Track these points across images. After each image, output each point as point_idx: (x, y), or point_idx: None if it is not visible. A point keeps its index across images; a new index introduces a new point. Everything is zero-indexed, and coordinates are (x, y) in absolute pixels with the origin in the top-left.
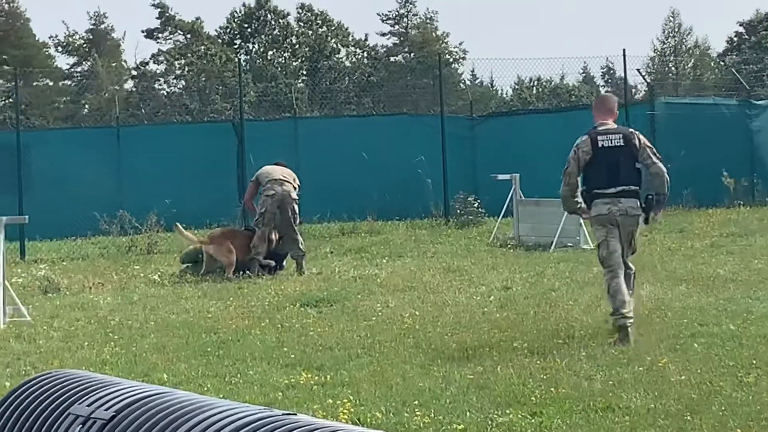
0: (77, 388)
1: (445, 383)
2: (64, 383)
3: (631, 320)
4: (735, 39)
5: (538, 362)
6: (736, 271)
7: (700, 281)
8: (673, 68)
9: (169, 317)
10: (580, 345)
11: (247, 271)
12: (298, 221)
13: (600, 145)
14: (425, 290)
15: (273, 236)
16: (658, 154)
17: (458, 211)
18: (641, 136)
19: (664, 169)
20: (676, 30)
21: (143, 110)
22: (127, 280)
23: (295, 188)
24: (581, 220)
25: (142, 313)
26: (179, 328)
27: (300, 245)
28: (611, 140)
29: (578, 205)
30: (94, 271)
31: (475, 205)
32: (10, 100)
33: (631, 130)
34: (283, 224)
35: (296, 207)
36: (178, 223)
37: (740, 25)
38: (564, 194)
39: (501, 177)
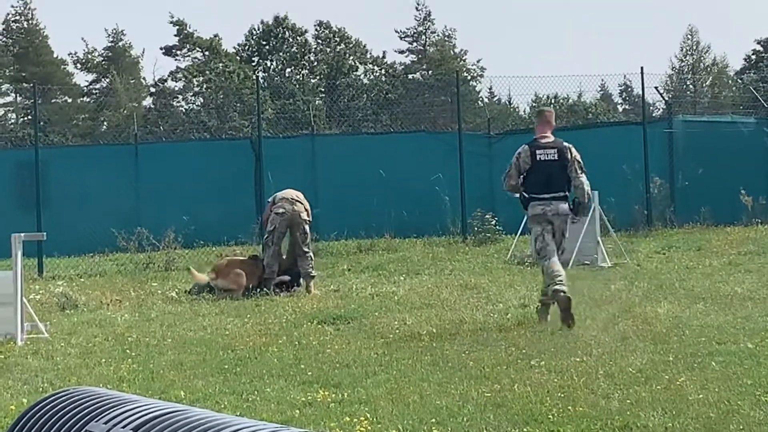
0: (94, 406)
1: (462, 401)
2: (81, 400)
3: (565, 287)
4: (753, 57)
5: (556, 380)
6: (754, 290)
7: (718, 299)
8: (691, 86)
9: (186, 334)
10: (598, 363)
11: (264, 289)
12: (308, 241)
13: (537, 158)
14: (442, 308)
15: (284, 255)
16: (583, 168)
17: (476, 228)
18: (573, 150)
19: (586, 182)
20: (694, 48)
21: (161, 127)
22: (145, 297)
23: (306, 210)
24: (599, 238)
25: (160, 330)
26: (196, 345)
27: (309, 265)
28: (547, 154)
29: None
30: (111, 287)
31: (493, 222)
32: (29, 117)
33: (565, 144)
34: (294, 244)
35: (307, 228)
36: (191, 267)
37: (758, 43)
38: (506, 189)
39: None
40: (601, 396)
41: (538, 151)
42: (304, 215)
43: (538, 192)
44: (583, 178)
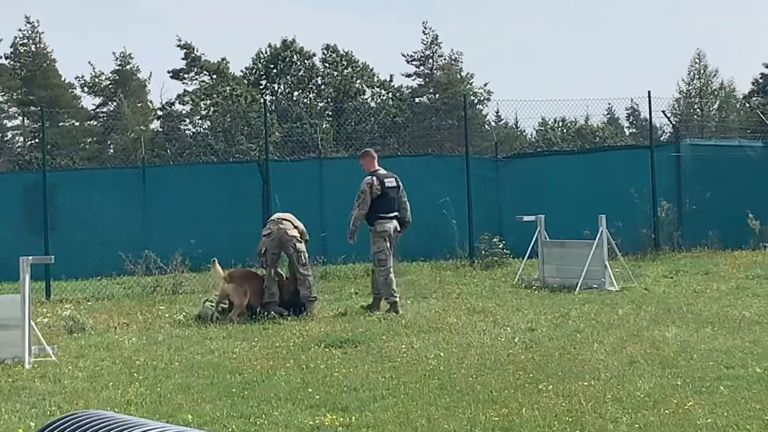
0: (102, 429)
1: (470, 425)
2: (89, 424)
3: (399, 297)
4: (761, 80)
5: (564, 404)
6: (762, 314)
7: (726, 323)
8: (698, 110)
9: (194, 357)
10: (606, 387)
11: (271, 313)
12: (303, 261)
13: (386, 185)
14: (450, 331)
15: (283, 276)
16: (405, 195)
17: (483, 252)
18: (399, 181)
19: (408, 206)
20: (702, 72)
21: (169, 150)
22: (152, 320)
23: (296, 227)
24: (606, 262)
25: (167, 353)
26: (204, 369)
27: (309, 288)
28: (390, 182)
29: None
30: (119, 311)
31: (500, 246)
32: (37, 140)
33: (395, 175)
34: (290, 264)
35: (299, 246)
36: (215, 259)
37: (766, 67)
38: (359, 215)
39: (526, 218)
40: (610, 420)
41: (385, 180)
42: (291, 231)
43: (385, 212)
44: (406, 200)
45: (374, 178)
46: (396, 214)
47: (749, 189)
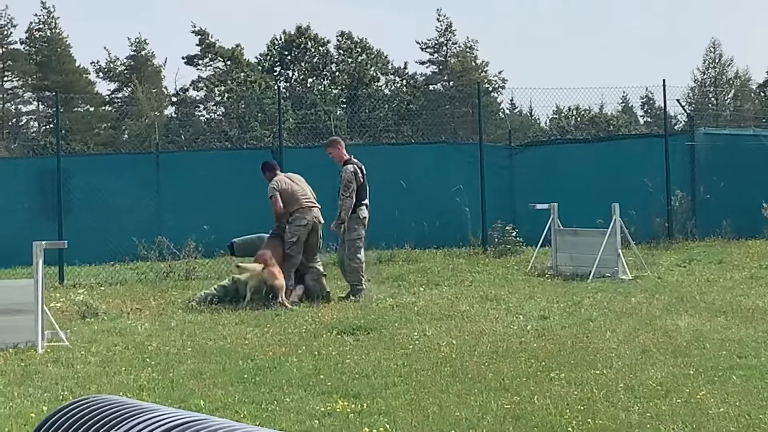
0: (114, 415)
1: (481, 413)
2: (101, 409)
3: (365, 286)
4: None
5: (576, 393)
6: None
7: (739, 313)
8: (713, 99)
9: (206, 343)
10: (618, 376)
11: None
12: (320, 247)
13: (363, 172)
14: (462, 319)
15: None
16: None
17: (496, 240)
18: None
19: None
20: (717, 61)
21: (183, 136)
22: (165, 306)
23: (319, 207)
24: (619, 251)
25: (180, 339)
26: (216, 355)
27: (320, 265)
28: (363, 169)
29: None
30: (132, 296)
31: (513, 234)
32: (51, 125)
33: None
34: (309, 248)
35: (320, 232)
36: (238, 264)
37: None
38: (350, 205)
39: (539, 206)
40: (621, 409)
41: (361, 167)
42: (321, 218)
43: (364, 198)
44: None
45: (354, 166)
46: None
47: (763, 178)
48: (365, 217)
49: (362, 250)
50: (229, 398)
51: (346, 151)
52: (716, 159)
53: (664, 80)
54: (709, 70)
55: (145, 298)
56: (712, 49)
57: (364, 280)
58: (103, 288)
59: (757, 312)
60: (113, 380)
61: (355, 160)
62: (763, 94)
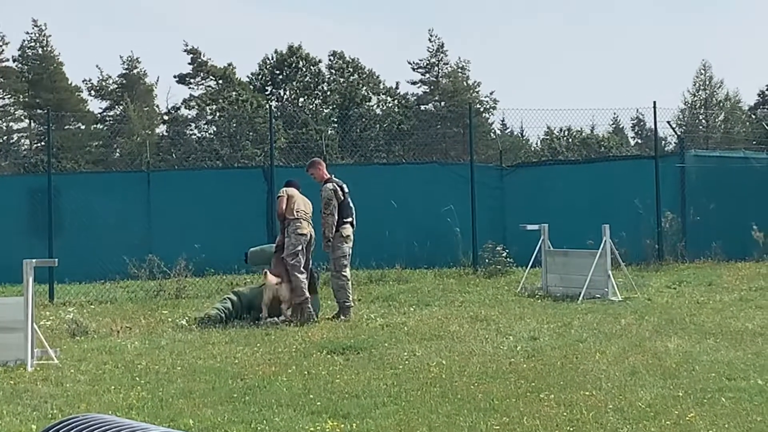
0: None
1: None
2: (91, 427)
3: (352, 303)
4: (766, 92)
5: (565, 414)
6: (765, 326)
7: (729, 335)
8: (703, 121)
9: (196, 362)
10: (607, 397)
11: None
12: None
13: (344, 191)
14: (452, 339)
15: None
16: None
17: (486, 260)
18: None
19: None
20: (707, 83)
21: (174, 155)
22: (155, 325)
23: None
24: (609, 272)
25: (169, 357)
26: (206, 374)
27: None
28: (345, 188)
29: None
30: (122, 314)
31: (504, 254)
32: (43, 143)
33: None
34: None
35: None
36: (267, 270)
37: None
38: (333, 222)
39: (530, 227)
40: (610, 430)
41: (343, 186)
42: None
43: (348, 216)
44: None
45: (334, 184)
46: (354, 218)
47: (753, 201)
48: (348, 235)
49: (347, 268)
50: (218, 417)
51: (327, 171)
52: (706, 181)
53: (654, 102)
54: (700, 92)
55: (135, 316)
56: (702, 71)
57: (351, 297)
58: (93, 306)
59: (746, 334)
60: (102, 399)
61: (336, 179)
62: (753, 117)
